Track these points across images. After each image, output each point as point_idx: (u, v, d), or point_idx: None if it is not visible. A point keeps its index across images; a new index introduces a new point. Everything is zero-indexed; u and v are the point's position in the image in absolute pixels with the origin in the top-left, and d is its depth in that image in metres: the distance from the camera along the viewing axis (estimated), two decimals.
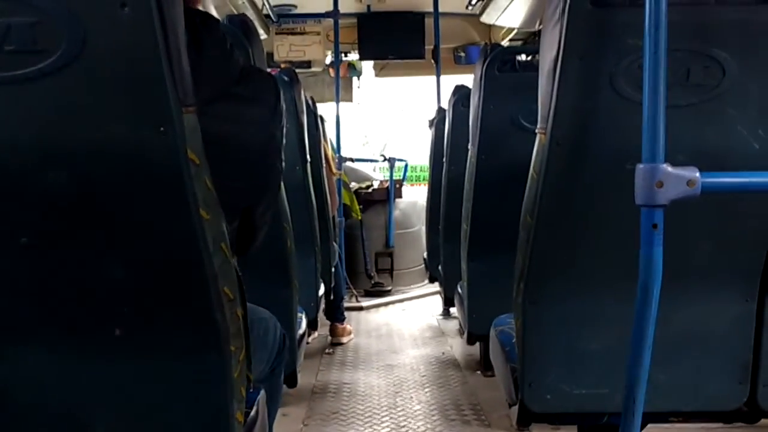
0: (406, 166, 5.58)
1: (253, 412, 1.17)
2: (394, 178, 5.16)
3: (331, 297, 3.47)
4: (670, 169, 1.09)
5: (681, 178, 1.09)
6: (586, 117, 1.25)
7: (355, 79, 5.61)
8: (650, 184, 1.09)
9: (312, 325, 2.70)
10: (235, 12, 3.70)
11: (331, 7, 4.53)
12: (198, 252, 0.93)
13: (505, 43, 4.78)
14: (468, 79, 3.26)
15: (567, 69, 1.21)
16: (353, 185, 5.13)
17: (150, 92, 0.86)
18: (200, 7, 1.27)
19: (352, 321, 4.11)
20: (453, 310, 3.99)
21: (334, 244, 3.59)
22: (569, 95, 1.23)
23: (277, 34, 4.91)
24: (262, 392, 1.27)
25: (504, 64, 2.24)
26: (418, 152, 6.04)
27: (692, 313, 1.37)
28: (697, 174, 1.09)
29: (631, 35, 1.17)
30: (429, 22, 4.84)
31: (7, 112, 0.88)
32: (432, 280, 4.22)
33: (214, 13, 3.53)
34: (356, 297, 4.74)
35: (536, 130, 1.32)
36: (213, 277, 0.96)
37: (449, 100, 3.15)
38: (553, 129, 1.25)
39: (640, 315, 1.14)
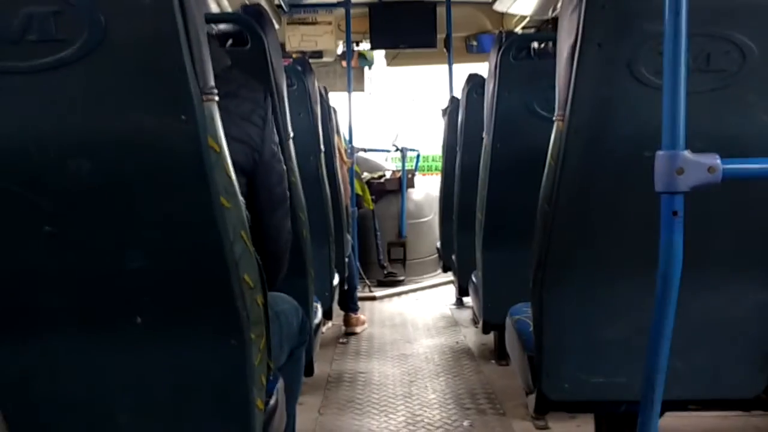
0: (419, 156, 5.57)
1: (272, 401, 1.17)
2: (406, 168, 5.16)
3: (345, 287, 3.48)
4: (690, 155, 1.08)
5: (701, 165, 1.08)
6: (604, 104, 1.24)
7: (366, 69, 5.60)
8: (670, 171, 1.08)
9: (327, 315, 2.71)
10: (248, 2, 3.70)
11: None
12: (219, 240, 0.94)
13: (517, 31, 4.76)
14: (480, 68, 3.25)
15: (585, 55, 1.20)
16: (365, 175, 5.13)
17: (171, 81, 0.87)
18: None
19: (366, 311, 4.12)
20: (466, 300, 4.00)
21: (347, 234, 3.60)
22: (588, 82, 1.22)
23: (288, 24, 4.90)
24: (281, 381, 1.28)
25: (519, 52, 2.23)
26: (430, 142, 6.03)
27: (711, 301, 1.36)
28: (718, 161, 1.08)
29: (651, 20, 1.16)
30: (441, 10, 4.82)
31: (30, 101, 0.89)
32: (445, 270, 4.22)
33: (226, 4, 3.53)
34: (369, 287, 4.75)
35: (554, 118, 1.31)
36: (233, 265, 0.96)
37: (463, 89, 3.14)
38: (572, 116, 1.24)
39: (660, 303, 1.14)
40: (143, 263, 0.96)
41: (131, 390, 1.06)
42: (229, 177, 0.95)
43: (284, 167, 1.43)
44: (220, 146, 0.93)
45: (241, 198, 1.01)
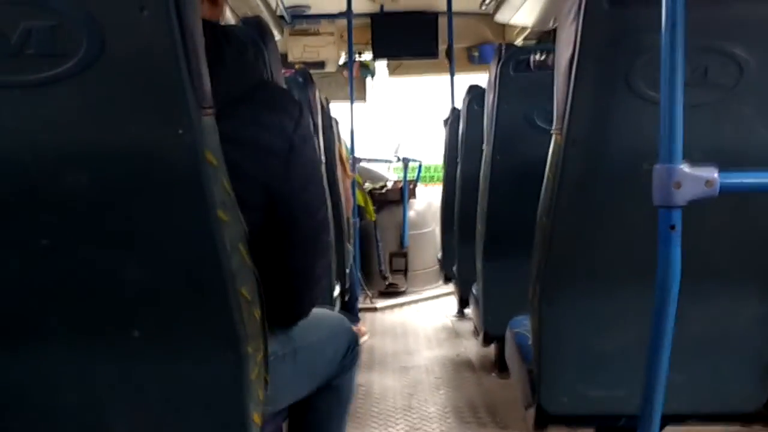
0: (420, 166, 5.57)
1: (265, 408, 1.17)
2: (408, 178, 5.16)
3: (346, 298, 3.48)
4: (687, 169, 1.08)
5: (699, 179, 1.08)
6: (602, 117, 1.24)
7: (369, 79, 5.62)
8: (667, 184, 1.08)
9: None
10: (250, 14, 3.72)
11: (344, 8, 4.55)
12: (215, 253, 0.94)
13: (518, 42, 4.77)
14: (482, 79, 3.26)
15: (583, 68, 1.20)
16: (367, 185, 5.13)
17: (168, 95, 0.87)
18: (221, 20, 1.27)
19: (367, 322, 4.12)
20: (467, 311, 3.99)
21: (349, 245, 3.60)
22: (585, 95, 1.22)
23: (290, 35, 4.93)
24: None
25: (518, 64, 2.23)
26: (432, 152, 6.04)
27: (711, 314, 1.36)
28: (716, 174, 1.08)
29: (648, 34, 1.16)
30: (442, 21, 4.84)
31: (28, 115, 0.89)
32: (447, 281, 4.21)
33: (229, 16, 3.55)
34: (371, 298, 4.74)
35: (552, 131, 1.31)
36: (231, 278, 0.96)
37: (463, 100, 3.15)
38: (569, 129, 1.24)
39: (659, 316, 1.13)
40: (140, 276, 0.96)
41: (127, 403, 1.05)
42: (227, 191, 0.95)
43: (322, 197, 1.25)
44: (218, 160, 0.93)
45: (239, 213, 1.01)
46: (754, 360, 1.39)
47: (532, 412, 1.46)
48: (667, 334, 1.14)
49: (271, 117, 1.13)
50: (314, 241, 1.23)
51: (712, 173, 1.08)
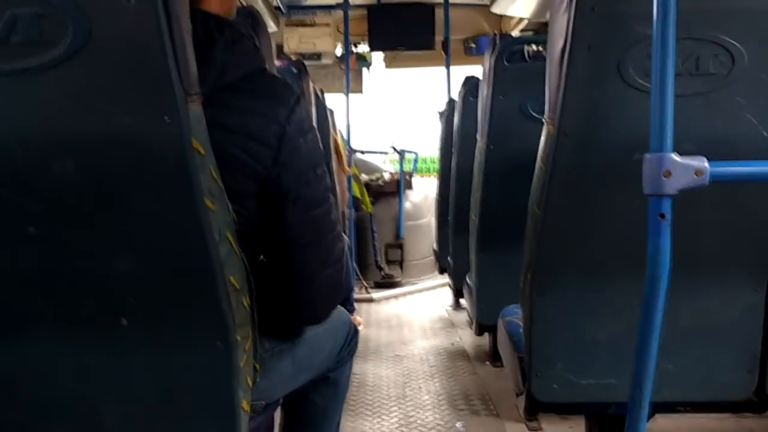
0: (417, 157, 5.57)
1: (260, 402, 1.18)
2: (404, 169, 5.16)
3: None
4: (677, 158, 1.08)
5: (689, 168, 1.08)
6: (593, 106, 1.25)
7: (365, 70, 5.61)
8: (658, 173, 1.08)
9: None
10: (244, 4, 3.70)
11: None
12: (204, 242, 0.94)
13: (515, 33, 4.76)
14: (478, 70, 3.26)
15: (575, 58, 1.20)
16: (363, 177, 5.13)
17: (155, 83, 0.87)
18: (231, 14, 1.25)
19: (362, 312, 4.12)
20: (463, 301, 4.00)
21: (344, 236, 3.59)
22: (577, 85, 1.22)
23: (286, 26, 4.91)
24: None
25: (513, 55, 2.23)
26: (428, 143, 6.04)
27: (701, 303, 1.37)
28: (706, 163, 1.08)
29: (640, 24, 1.16)
30: (439, 12, 4.83)
31: (15, 103, 0.89)
32: (442, 272, 4.22)
33: None
34: (366, 288, 4.75)
35: (544, 120, 1.31)
36: (219, 266, 0.96)
37: (459, 92, 3.14)
38: (561, 119, 1.24)
39: (648, 305, 1.14)
40: (128, 265, 0.96)
41: (116, 392, 1.05)
42: (215, 179, 0.95)
43: (324, 195, 1.17)
44: (205, 149, 0.93)
45: (227, 201, 1.00)
46: (744, 349, 1.40)
47: (523, 399, 1.47)
48: (656, 322, 1.14)
49: (263, 105, 1.10)
50: (314, 243, 1.16)
51: (702, 162, 1.08)
